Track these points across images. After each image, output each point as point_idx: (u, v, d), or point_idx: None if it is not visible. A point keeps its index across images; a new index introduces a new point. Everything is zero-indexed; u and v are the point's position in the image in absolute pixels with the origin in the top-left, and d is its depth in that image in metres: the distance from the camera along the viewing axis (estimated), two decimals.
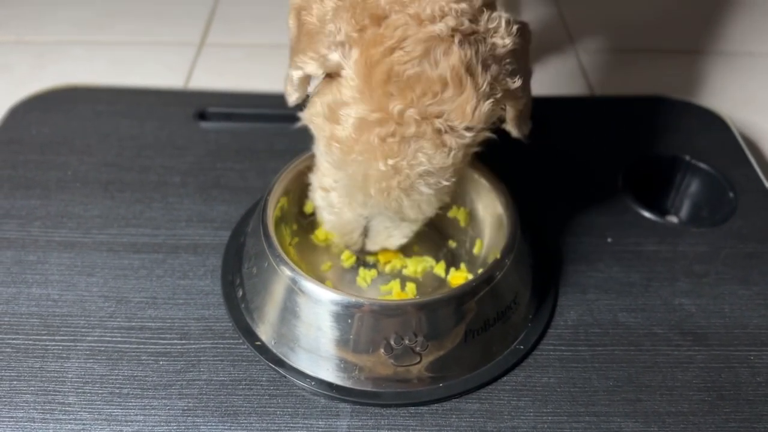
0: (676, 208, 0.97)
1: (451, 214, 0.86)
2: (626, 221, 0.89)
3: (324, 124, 0.66)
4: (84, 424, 0.67)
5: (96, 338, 0.74)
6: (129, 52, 1.26)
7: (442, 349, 0.70)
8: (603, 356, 0.75)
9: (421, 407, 0.70)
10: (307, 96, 0.69)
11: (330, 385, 0.70)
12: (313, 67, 0.65)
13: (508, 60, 0.65)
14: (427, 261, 0.82)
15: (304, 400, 0.70)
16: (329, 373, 0.71)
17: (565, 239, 0.87)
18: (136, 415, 0.68)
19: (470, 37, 0.62)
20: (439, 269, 0.81)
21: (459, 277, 0.79)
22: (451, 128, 0.63)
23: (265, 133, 1.00)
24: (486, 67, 0.63)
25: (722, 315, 0.79)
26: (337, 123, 0.64)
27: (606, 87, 1.22)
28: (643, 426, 0.69)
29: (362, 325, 0.69)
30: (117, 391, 0.70)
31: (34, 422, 0.67)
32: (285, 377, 0.71)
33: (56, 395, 0.69)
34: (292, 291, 0.72)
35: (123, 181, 0.92)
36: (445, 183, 0.66)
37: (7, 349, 0.73)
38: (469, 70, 0.61)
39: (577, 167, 0.97)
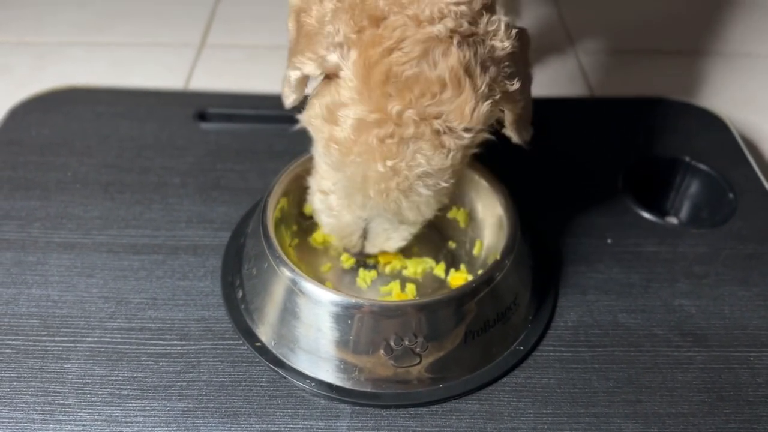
0: (676, 209, 0.97)
1: (450, 215, 0.86)
2: (626, 222, 0.89)
3: (322, 126, 0.65)
4: (84, 425, 0.67)
5: (96, 339, 0.74)
6: (129, 53, 1.26)
7: (442, 350, 0.70)
8: (603, 357, 0.75)
9: (421, 408, 0.70)
10: (306, 98, 0.69)
11: (330, 386, 0.70)
12: (311, 68, 0.65)
13: (506, 63, 0.65)
14: (427, 262, 0.82)
15: (304, 401, 0.70)
16: (329, 374, 0.71)
17: (565, 240, 0.87)
18: (136, 416, 0.68)
19: (469, 38, 0.62)
20: (439, 270, 0.81)
21: (459, 278, 0.79)
22: (450, 129, 0.62)
23: (265, 134, 1.00)
24: (485, 69, 0.63)
25: (722, 316, 0.79)
26: (335, 124, 0.64)
27: (606, 88, 1.22)
28: (643, 427, 0.69)
29: (362, 326, 0.69)
30: (117, 392, 0.70)
31: (34, 423, 0.67)
32: (285, 378, 0.71)
33: (56, 396, 0.69)
34: (292, 292, 0.72)
35: (123, 182, 0.92)
36: (444, 184, 0.66)
37: (7, 350, 0.73)
38: (468, 72, 0.61)
39: (577, 168, 0.97)
